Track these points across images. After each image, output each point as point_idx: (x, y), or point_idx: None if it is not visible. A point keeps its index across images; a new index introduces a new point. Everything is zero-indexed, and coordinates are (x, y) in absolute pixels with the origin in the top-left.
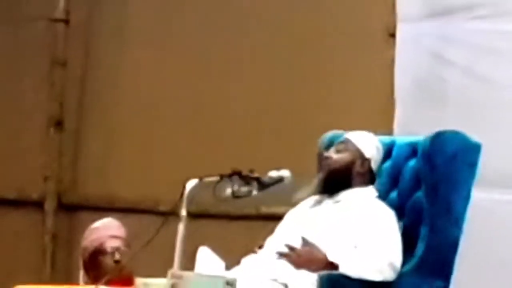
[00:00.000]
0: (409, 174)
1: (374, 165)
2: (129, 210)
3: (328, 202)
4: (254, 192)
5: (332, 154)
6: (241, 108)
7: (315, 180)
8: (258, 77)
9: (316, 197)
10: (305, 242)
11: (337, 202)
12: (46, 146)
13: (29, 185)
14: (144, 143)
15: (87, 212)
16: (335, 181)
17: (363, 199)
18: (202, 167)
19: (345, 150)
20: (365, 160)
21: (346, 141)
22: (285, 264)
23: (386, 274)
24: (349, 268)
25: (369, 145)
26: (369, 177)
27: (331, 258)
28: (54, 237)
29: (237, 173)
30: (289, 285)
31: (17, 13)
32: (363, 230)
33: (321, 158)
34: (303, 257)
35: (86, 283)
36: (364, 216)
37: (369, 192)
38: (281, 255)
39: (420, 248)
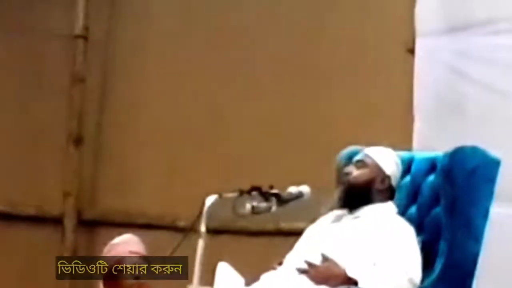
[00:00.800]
0: (428, 189)
1: (394, 182)
2: (149, 226)
3: (348, 218)
4: (274, 208)
5: (353, 169)
6: (260, 124)
7: (335, 195)
8: (278, 92)
9: (335, 213)
10: (324, 258)
11: (357, 218)
12: (65, 162)
13: (49, 202)
14: (163, 159)
15: (107, 228)
16: (355, 196)
17: (383, 215)
18: (221, 183)
19: (365, 166)
20: (386, 177)
21: (366, 157)
22: (304, 280)
23: None
24: (369, 284)
25: (389, 161)
26: (388, 194)
27: (351, 274)
28: (74, 253)
29: (257, 189)
30: None
31: (37, 29)
32: (383, 246)
33: (341, 174)
34: (323, 273)
35: None
36: (384, 232)
37: (389, 208)
38: (301, 271)
39: (439, 264)
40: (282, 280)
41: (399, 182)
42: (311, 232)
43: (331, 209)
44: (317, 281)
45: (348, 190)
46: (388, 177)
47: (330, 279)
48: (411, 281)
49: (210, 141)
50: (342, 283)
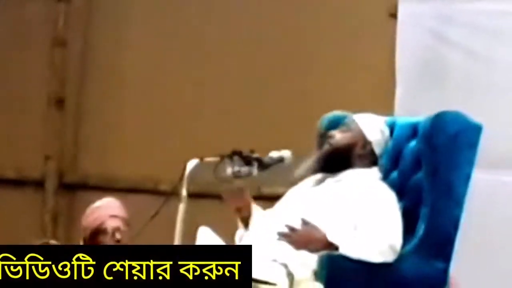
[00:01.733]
0: (409, 154)
1: (377, 149)
2: (130, 190)
3: (330, 182)
4: (255, 172)
5: (336, 133)
6: (242, 89)
7: (314, 157)
8: (258, 57)
9: (316, 177)
10: (304, 223)
11: (339, 181)
12: (46, 125)
13: (30, 165)
14: (144, 123)
15: (88, 192)
16: (335, 160)
17: (365, 179)
18: (202, 147)
19: (349, 130)
20: (367, 143)
21: (352, 122)
22: (285, 244)
23: (386, 255)
24: (349, 249)
25: (373, 128)
26: (370, 160)
27: (331, 238)
28: (55, 216)
29: (238, 153)
30: (288, 265)
31: None
32: (364, 211)
33: (322, 138)
34: (303, 237)
35: None
36: (365, 197)
37: (372, 174)
38: (281, 235)
39: (420, 229)
40: (262, 244)
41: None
42: (292, 195)
43: (311, 171)
44: (298, 245)
45: (329, 152)
46: (370, 143)
47: (311, 243)
48: (392, 247)
49: (192, 106)
50: (323, 248)
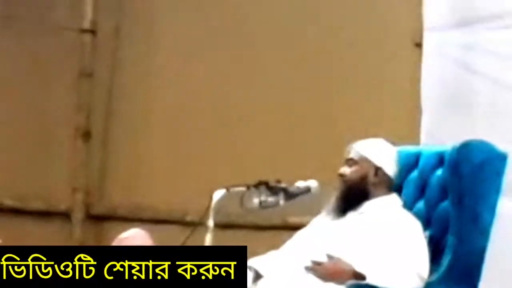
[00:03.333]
0: (436, 183)
1: (389, 171)
2: (157, 220)
3: (352, 214)
4: (281, 202)
5: (345, 169)
6: (269, 118)
7: (332, 199)
8: (286, 87)
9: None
10: (330, 257)
11: (361, 213)
12: (73, 157)
13: (57, 196)
14: (171, 153)
15: (115, 223)
16: (352, 197)
17: (388, 209)
18: (229, 177)
19: (355, 163)
20: (378, 169)
21: (355, 153)
22: (312, 277)
23: (414, 283)
24: (377, 278)
25: (378, 152)
26: (386, 186)
27: (358, 269)
28: None
29: (264, 183)
30: None
31: (45, 23)
32: (389, 241)
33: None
34: (330, 269)
35: None
36: (390, 227)
37: (393, 201)
38: (308, 269)
39: (447, 258)
40: (289, 277)
41: (399, 172)
42: (316, 226)
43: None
44: (325, 278)
45: (344, 192)
46: (380, 168)
47: (338, 275)
48: (419, 275)
49: (218, 136)
50: (350, 279)
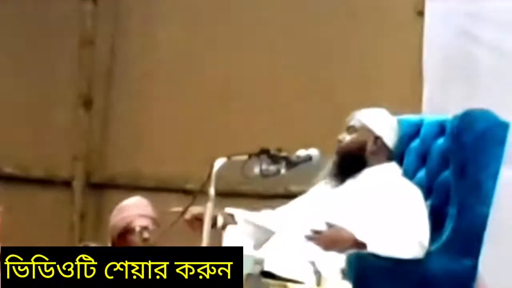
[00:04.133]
0: (437, 153)
1: (388, 142)
2: (157, 188)
3: (350, 182)
4: (282, 171)
5: (345, 136)
6: (270, 87)
7: (330, 164)
8: (287, 55)
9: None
10: (329, 226)
11: (359, 181)
12: (75, 125)
13: (58, 164)
14: (172, 121)
15: (115, 191)
16: (350, 163)
17: (387, 176)
18: (230, 145)
19: (355, 131)
20: (377, 139)
21: (356, 121)
22: (312, 246)
23: (415, 251)
24: (378, 246)
25: (379, 122)
26: (384, 154)
27: (359, 237)
28: (83, 216)
29: (265, 152)
30: (316, 263)
31: None
32: (390, 208)
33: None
34: (330, 238)
35: None
36: (391, 195)
37: (392, 168)
38: (308, 238)
39: (448, 227)
40: (289, 244)
41: (398, 143)
42: (313, 196)
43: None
44: (325, 246)
45: (341, 158)
46: (379, 137)
47: (339, 243)
48: (420, 243)
49: (220, 104)
50: (351, 247)
